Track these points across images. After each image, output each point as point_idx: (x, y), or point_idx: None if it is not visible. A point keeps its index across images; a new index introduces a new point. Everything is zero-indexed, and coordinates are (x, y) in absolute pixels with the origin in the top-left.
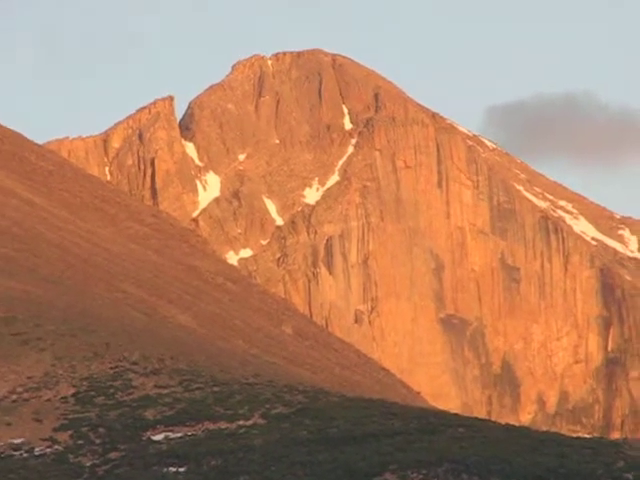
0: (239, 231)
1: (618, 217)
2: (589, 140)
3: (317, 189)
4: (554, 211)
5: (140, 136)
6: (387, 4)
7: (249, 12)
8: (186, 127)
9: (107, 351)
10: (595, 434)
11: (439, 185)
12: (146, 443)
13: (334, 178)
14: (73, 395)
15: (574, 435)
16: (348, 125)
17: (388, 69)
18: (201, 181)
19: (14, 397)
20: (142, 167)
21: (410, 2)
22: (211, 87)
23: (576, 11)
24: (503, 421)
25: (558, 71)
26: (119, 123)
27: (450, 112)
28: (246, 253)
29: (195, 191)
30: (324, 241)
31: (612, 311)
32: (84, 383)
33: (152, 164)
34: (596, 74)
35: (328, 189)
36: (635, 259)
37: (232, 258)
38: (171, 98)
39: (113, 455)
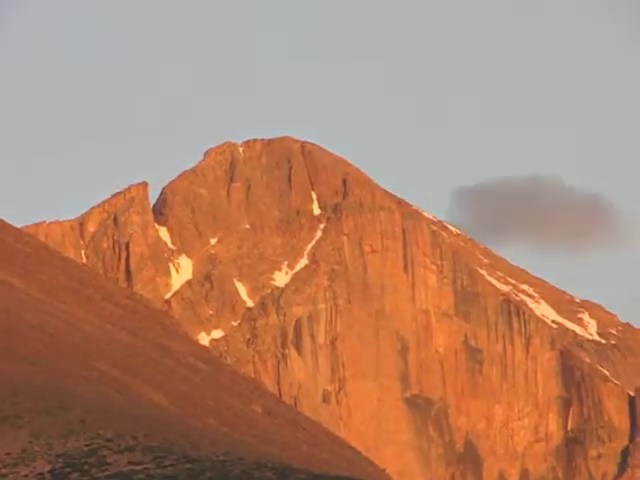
0: (211, 313)
1: (578, 301)
2: (552, 224)
3: (286, 272)
4: (516, 295)
5: (115, 220)
6: (354, 92)
7: (220, 100)
8: (159, 212)
9: (82, 428)
10: None
11: (405, 269)
12: None
13: (303, 262)
14: (49, 471)
15: None
16: (317, 210)
17: (356, 156)
18: (174, 264)
19: None
20: (117, 250)
21: (376, 90)
22: (184, 173)
23: (542, 94)
24: None
25: (524, 155)
26: (95, 207)
27: (416, 196)
28: (217, 334)
29: (168, 274)
30: (293, 323)
31: (572, 392)
32: (60, 459)
33: (127, 247)
34: (562, 158)
35: (297, 272)
36: (594, 342)
37: (204, 339)
38: (145, 184)
39: None
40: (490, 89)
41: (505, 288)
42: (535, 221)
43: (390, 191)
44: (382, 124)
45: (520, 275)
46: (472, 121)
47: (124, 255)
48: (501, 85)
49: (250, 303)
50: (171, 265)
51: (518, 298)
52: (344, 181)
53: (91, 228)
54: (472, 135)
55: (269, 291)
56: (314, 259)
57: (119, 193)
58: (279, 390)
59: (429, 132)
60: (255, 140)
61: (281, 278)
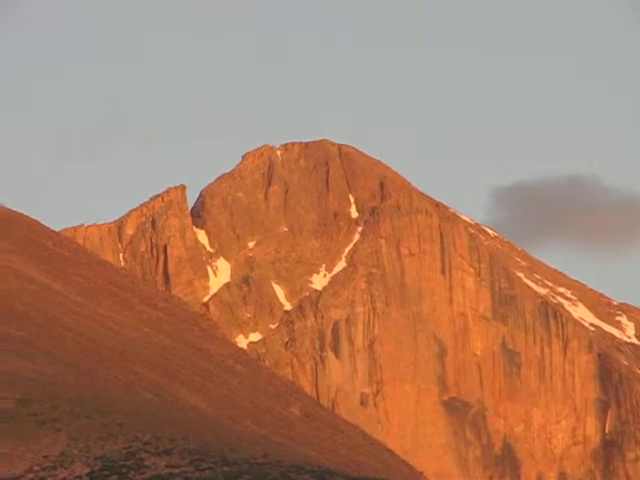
0: (248, 315)
1: (616, 304)
2: (592, 225)
3: (324, 275)
4: (553, 297)
5: (153, 223)
6: (391, 95)
7: (258, 103)
8: (197, 215)
9: (120, 431)
10: None
11: (442, 272)
12: None
13: (341, 264)
14: (87, 474)
15: None
16: (354, 214)
17: (393, 159)
18: (212, 267)
19: (31, 476)
20: (155, 253)
21: (412, 91)
22: (222, 176)
23: (583, 92)
24: None
25: (564, 154)
26: (133, 211)
27: (454, 197)
28: (255, 337)
29: (206, 277)
30: (331, 325)
31: (609, 395)
32: (98, 462)
33: (165, 250)
34: (602, 158)
35: (335, 275)
36: (632, 344)
37: (242, 342)
38: (183, 187)
39: None
40: (529, 87)
41: (543, 291)
42: (574, 221)
43: (427, 194)
44: (417, 125)
45: (558, 278)
46: (511, 119)
47: (162, 258)
48: (541, 83)
49: (288, 306)
50: (209, 268)
51: (556, 301)
52: (381, 184)
53: (129, 231)
54: (512, 134)
55: (307, 294)
56: (352, 262)
57: (157, 196)
58: (317, 393)
59: (466, 131)
60: (293, 143)
61: (319, 281)
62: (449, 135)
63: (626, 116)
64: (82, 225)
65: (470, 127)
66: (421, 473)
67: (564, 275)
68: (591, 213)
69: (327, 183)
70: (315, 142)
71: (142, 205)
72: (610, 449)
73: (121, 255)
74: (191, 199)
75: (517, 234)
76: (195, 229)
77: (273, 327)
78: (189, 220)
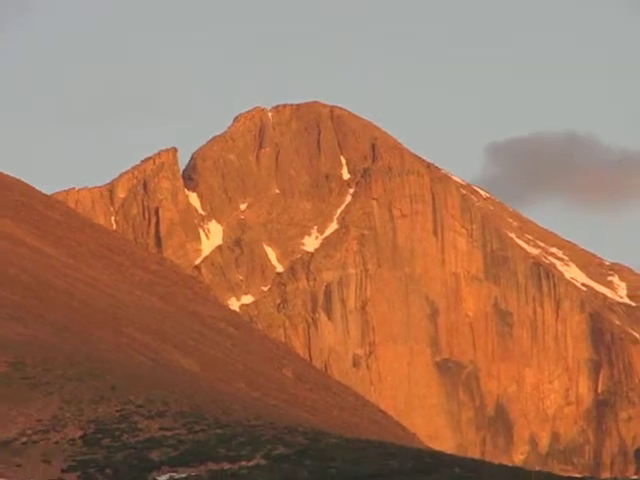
0: (240, 278)
1: (607, 264)
2: (587, 182)
3: (316, 237)
4: (545, 258)
5: (145, 186)
6: (383, 56)
7: (250, 65)
8: (189, 177)
9: (113, 394)
10: (586, 474)
11: (434, 233)
12: None
13: (333, 226)
14: (81, 437)
15: (566, 475)
16: (346, 175)
17: (384, 120)
18: (204, 230)
19: (24, 439)
20: (147, 216)
21: (405, 51)
22: (213, 139)
23: (578, 47)
24: (497, 461)
25: (560, 110)
26: (124, 173)
27: (448, 154)
28: (247, 299)
29: (198, 239)
30: (323, 287)
31: (602, 355)
32: (91, 425)
33: (156, 213)
34: (599, 115)
35: (327, 237)
36: (624, 304)
37: (234, 304)
38: (174, 149)
39: None
40: (526, 40)
41: (535, 251)
42: (569, 178)
43: (419, 155)
44: (410, 87)
45: (549, 238)
46: (504, 74)
47: (154, 221)
48: (538, 33)
49: (280, 268)
50: (201, 231)
51: (548, 261)
52: (373, 145)
53: (121, 194)
54: (506, 89)
55: (299, 256)
56: (344, 224)
57: (148, 159)
58: (309, 355)
59: (459, 88)
60: (284, 105)
61: (311, 243)
62: (442, 93)
63: (625, 73)
64: (74, 188)
65: (462, 84)
66: (414, 434)
67: (556, 235)
68: (586, 171)
69: (319, 145)
70: (306, 104)
71: (133, 168)
72: (603, 409)
73: (113, 218)
74: (182, 162)
75: (511, 190)
76: (187, 192)
77: (265, 289)
78: (181, 183)
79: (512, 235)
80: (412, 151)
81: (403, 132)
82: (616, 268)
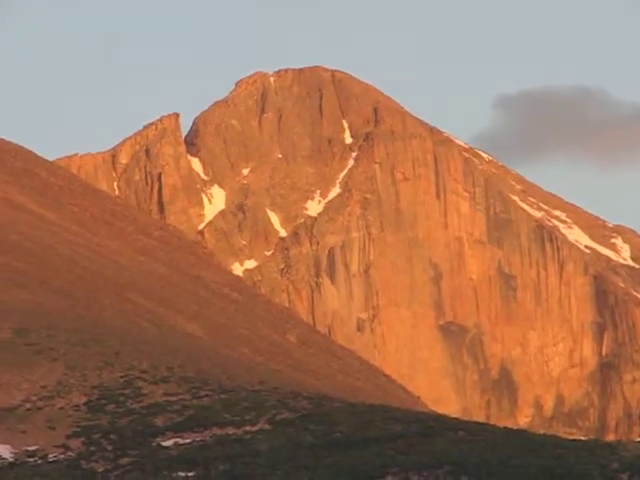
0: (244, 243)
1: (611, 226)
2: (595, 136)
3: (319, 201)
4: (549, 220)
5: (147, 152)
6: (384, 20)
7: (251, 30)
8: (191, 143)
9: (117, 360)
10: (590, 436)
11: (437, 196)
12: (156, 449)
13: (335, 190)
14: (85, 403)
15: (570, 437)
16: (348, 139)
17: (386, 83)
18: (207, 195)
19: (28, 405)
20: (149, 182)
21: (406, 15)
22: (215, 104)
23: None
24: (501, 425)
25: (570, 64)
26: (127, 139)
27: (456, 107)
28: (251, 264)
29: (201, 204)
30: (326, 252)
31: (606, 317)
32: (95, 391)
33: (159, 179)
34: (609, 70)
35: (330, 201)
36: (627, 266)
37: (237, 269)
38: (177, 115)
39: (124, 461)
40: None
41: (538, 214)
42: (578, 132)
43: (421, 118)
44: (412, 48)
45: (552, 201)
46: (514, 27)
47: (156, 186)
48: None
49: (283, 233)
50: (204, 196)
51: (551, 224)
52: (375, 109)
53: (123, 160)
54: (514, 40)
55: (302, 220)
56: (346, 188)
57: (151, 124)
58: (313, 319)
59: (464, 38)
60: (286, 70)
61: (314, 207)
62: (448, 39)
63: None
64: (76, 154)
65: (467, 35)
66: (418, 398)
67: (559, 198)
68: (596, 125)
69: (321, 109)
70: (308, 68)
71: (136, 134)
72: (607, 371)
73: (115, 184)
74: (185, 127)
75: (518, 145)
76: (189, 157)
77: (268, 254)
78: (183, 148)
79: (515, 198)
80: (414, 114)
81: (405, 96)
82: (619, 230)
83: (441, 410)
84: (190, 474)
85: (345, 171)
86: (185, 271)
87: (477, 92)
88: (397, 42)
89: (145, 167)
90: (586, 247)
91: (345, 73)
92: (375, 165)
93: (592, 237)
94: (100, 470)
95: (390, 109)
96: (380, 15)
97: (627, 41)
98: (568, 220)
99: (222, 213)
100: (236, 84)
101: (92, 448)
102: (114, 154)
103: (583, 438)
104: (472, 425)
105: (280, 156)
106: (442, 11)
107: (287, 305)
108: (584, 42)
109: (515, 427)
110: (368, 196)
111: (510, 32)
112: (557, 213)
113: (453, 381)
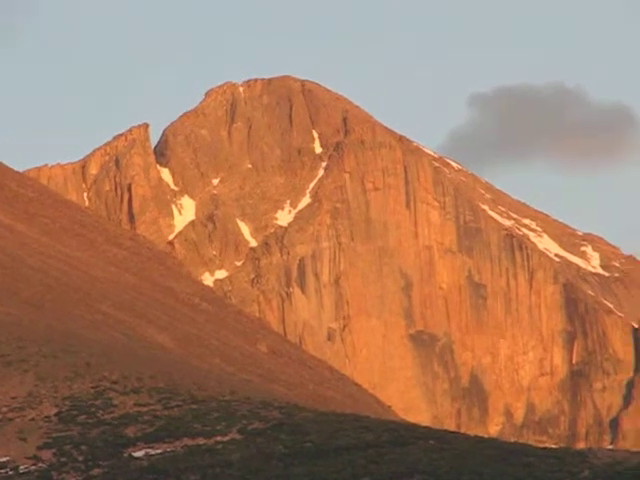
0: (214, 253)
1: (580, 234)
2: (572, 134)
3: (289, 211)
4: (518, 229)
5: (117, 162)
6: (353, 29)
7: (220, 40)
8: (161, 153)
9: (88, 371)
10: (561, 444)
11: (407, 206)
12: (127, 460)
13: (305, 200)
14: (56, 414)
15: (541, 445)
16: (318, 149)
17: (356, 93)
18: (176, 205)
19: None
20: (119, 192)
21: (374, 24)
22: (185, 114)
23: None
24: (472, 433)
25: (548, 61)
26: (96, 150)
27: (430, 105)
28: (221, 274)
29: (171, 215)
30: (297, 262)
31: (576, 325)
32: (66, 402)
33: (129, 189)
34: (587, 68)
35: (300, 211)
36: (597, 275)
37: (208, 279)
38: (146, 125)
39: (96, 472)
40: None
41: (507, 223)
42: (554, 133)
43: (391, 128)
44: (382, 58)
45: (522, 209)
46: (486, 24)
47: (126, 197)
48: None
49: (253, 243)
50: (173, 206)
51: (521, 232)
52: (344, 119)
53: (93, 171)
54: (487, 38)
55: (272, 230)
56: (316, 197)
57: (120, 135)
58: (284, 329)
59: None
60: (255, 80)
61: (284, 217)
62: (421, 37)
63: (618, 27)
64: (46, 165)
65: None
66: (389, 407)
67: (528, 206)
68: (573, 123)
69: (290, 119)
70: (278, 78)
71: (105, 144)
72: (577, 379)
73: (85, 195)
74: (154, 137)
75: (496, 135)
76: (159, 167)
77: (239, 264)
78: (153, 158)
79: (485, 207)
80: (384, 124)
81: (374, 105)
82: (589, 238)
83: (412, 419)
84: None
85: (315, 181)
86: (155, 282)
87: (451, 90)
88: (366, 48)
89: (115, 178)
90: (556, 255)
91: (314, 83)
92: (345, 175)
93: (562, 245)
94: None
95: (359, 118)
96: (347, 23)
97: (605, 39)
98: (538, 228)
99: (192, 223)
100: (205, 94)
101: (63, 459)
102: (84, 165)
103: (554, 446)
104: (443, 434)
105: (250, 166)
106: (414, 12)
107: (258, 315)
108: (562, 40)
109: (486, 435)
110: (338, 206)
111: (489, 28)
112: (527, 222)
113: (424, 390)
